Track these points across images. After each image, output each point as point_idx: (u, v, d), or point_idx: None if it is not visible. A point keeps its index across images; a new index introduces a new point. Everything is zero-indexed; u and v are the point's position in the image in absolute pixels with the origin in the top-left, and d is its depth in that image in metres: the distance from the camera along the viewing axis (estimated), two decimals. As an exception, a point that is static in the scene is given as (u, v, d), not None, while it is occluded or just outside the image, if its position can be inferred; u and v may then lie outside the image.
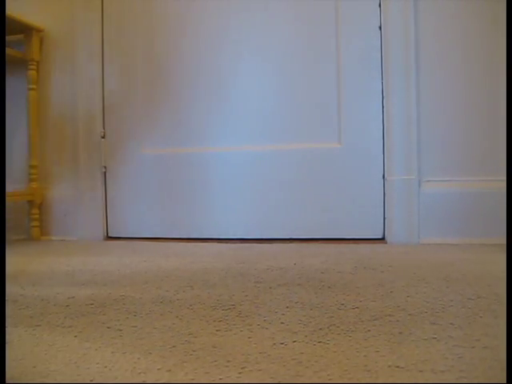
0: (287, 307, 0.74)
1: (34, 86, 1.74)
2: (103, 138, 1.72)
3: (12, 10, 1.61)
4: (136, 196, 1.70)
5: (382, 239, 1.52)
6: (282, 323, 0.66)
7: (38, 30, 1.73)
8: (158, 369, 0.51)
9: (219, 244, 1.52)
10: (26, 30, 1.70)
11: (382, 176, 1.52)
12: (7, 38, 1.66)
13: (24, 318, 0.71)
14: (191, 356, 0.54)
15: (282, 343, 0.58)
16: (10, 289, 0.90)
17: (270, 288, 0.88)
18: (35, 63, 1.74)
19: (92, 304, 0.78)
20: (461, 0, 1.45)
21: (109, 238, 1.72)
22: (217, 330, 0.64)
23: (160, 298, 0.82)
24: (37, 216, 1.76)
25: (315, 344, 0.58)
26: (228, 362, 0.53)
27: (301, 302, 0.78)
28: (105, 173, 1.73)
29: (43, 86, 1.78)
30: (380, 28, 1.50)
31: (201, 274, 1.02)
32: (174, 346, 0.58)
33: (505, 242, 1.19)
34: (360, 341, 0.58)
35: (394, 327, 0.63)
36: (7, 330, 0.65)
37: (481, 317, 0.67)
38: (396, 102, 1.48)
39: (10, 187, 1.68)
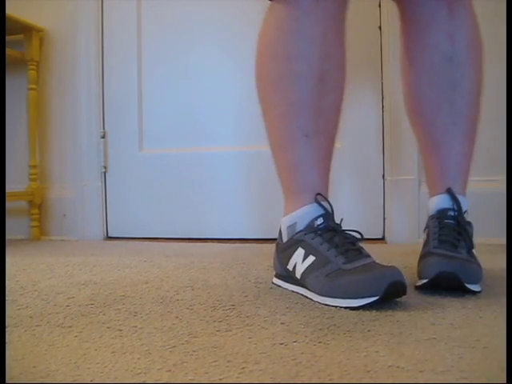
0: (287, 308, 0.74)
1: (34, 86, 1.74)
2: (103, 138, 1.72)
3: (12, 9, 1.61)
4: (136, 196, 1.70)
5: (382, 239, 1.52)
6: (283, 323, 0.66)
7: (38, 30, 1.73)
8: (158, 369, 0.51)
9: (219, 244, 1.52)
10: (26, 29, 1.70)
11: (381, 176, 1.52)
12: (7, 37, 1.66)
13: (24, 318, 0.71)
14: (191, 356, 0.54)
15: (282, 343, 0.58)
16: (9, 288, 0.91)
17: (271, 288, 0.88)
18: (35, 63, 1.74)
19: (92, 304, 0.79)
20: (461, 0, 1.45)
21: (109, 238, 1.73)
22: (217, 331, 0.64)
23: (160, 298, 0.82)
24: (37, 216, 1.76)
25: (315, 344, 0.58)
26: (228, 362, 0.53)
27: (301, 302, 0.78)
28: (105, 173, 1.73)
29: (43, 86, 1.78)
30: (380, 28, 1.50)
31: (201, 274, 1.02)
32: (174, 347, 0.58)
33: (505, 243, 1.19)
34: (360, 341, 0.58)
35: (394, 327, 0.63)
36: (7, 329, 0.65)
37: (481, 317, 0.68)
38: (396, 101, 1.48)
39: (9, 187, 1.68)
